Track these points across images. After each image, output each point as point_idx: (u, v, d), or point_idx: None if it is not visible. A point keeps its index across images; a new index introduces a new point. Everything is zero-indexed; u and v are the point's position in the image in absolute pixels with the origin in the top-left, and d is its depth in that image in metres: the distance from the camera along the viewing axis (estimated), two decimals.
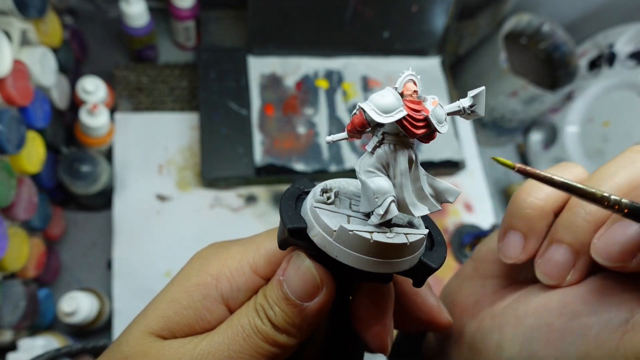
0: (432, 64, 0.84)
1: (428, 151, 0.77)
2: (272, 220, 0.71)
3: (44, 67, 0.53)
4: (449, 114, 0.20)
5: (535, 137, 0.93)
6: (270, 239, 0.24)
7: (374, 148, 0.20)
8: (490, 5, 0.88)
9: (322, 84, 0.78)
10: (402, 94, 0.19)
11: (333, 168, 0.73)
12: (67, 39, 0.66)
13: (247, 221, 0.70)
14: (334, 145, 0.74)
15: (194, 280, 0.23)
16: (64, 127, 0.65)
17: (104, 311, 0.60)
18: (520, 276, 0.27)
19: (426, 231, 0.21)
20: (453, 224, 0.79)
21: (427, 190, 0.21)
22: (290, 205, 0.22)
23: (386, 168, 0.20)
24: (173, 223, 0.68)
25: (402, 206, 0.20)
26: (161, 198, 0.69)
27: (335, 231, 0.20)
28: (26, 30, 0.52)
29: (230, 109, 0.72)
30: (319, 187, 0.22)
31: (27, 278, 0.54)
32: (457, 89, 0.90)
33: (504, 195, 0.89)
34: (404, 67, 0.90)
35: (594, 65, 0.85)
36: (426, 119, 0.19)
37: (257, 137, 0.71)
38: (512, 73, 0.76)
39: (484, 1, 0.88)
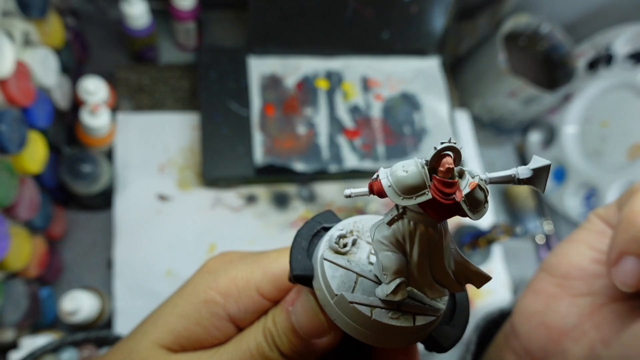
0: (432, 64, 0.85)
1: (428, 151, 0.78)
2: (272, 220, 0.72)
3: (45, 68, 0.54)
4: (496, 181, 0.16)
5: (534, 138, 0.93)
6: (279, 260, 0.24)
7: (392, 221, 0.17)
8: (489, 6, 0.88)
9: (322, 84, 0.78)
10: (434, 168, 0.16)
11: (333, 168, 0.73)
12: (68, 39, 0.66)
13: (247, 221, 0.71)
14: (333, 146, 0.75)
15: (202, 296, 0.23)
16: (65, 128, 0.66)
17: (105, 310, 0.60)
18: (617, 293, 0.26)
19: (441, 309, 0.19)
20: (452, 223, 0.79)
21: (450, 266, 0.18)
22: (303, 245, 0.20)
23: (402, 244, 0.17)
24: (174, 223, 0.68)
25: (416, 285, 0.18)
26: (162, 198, 0.69)
27: (336, 296, 0.18)
28: (28, 31, 0.52)
29: (231, 109, 0.73)
30: (337, 229, 0.20)
31: (29, 277, 0.54)
32: (456, 89, 0.90)
33: (503, 196, 0.89)
34: (404, 67, 0.90)
35: (592, 65, 0.85)
36: (456, 204, 0.15)
37: (257, 137, 0.72)
38: (511, 73, 0.77)
39: (483, 2, 0.88)
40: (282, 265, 0.24)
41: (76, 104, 0.65)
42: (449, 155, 0.16)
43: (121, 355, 0.23)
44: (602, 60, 0.83)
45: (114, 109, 0.71)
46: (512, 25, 0.82)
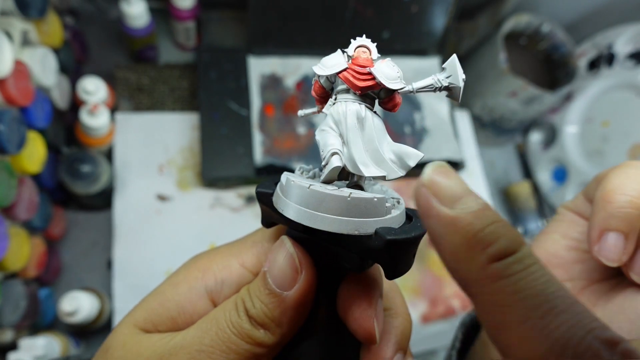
0: (432, 64, 0.85)
1: (428, 151, 0.77)
2: None
3: (44, 68, 0.53)
4: (421, 89, 0.20)
5: (535, 137, 0.93)
6: (259, 233, 0.24)
7: (328, 107, 0.20)
8: (489, 6, 0.88)
9: None
10: (349, 57, 0.20)
11: None
12: (67, 39, 0.66)
13: (247, 221, 0.70)
14: None
15: (182, 274, 0.23)
16: (64, 127, 0.66)
17: (105, 311, 0.60)
18: (595, 275, 0.27)
19: (381, 195, 0.19)
20: None
21: (388, 155, 0.20)
22: (271, 182, 0.22)
23: (338, 126, 0.20)
24: (173, 223, 0.68)
25: (352, 164, 0.20)
26: (161, 198, 0.69)
27: (283, 185, 0.20)
28: (27, 31, 0.52)
29: (231, 109, 0.73)
30: (300, 165, 0.23)
31: (28, 278, 0.54)
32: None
33: (503, 195, 0.89)
34: (404, 67, 0.90)
35: (593, 65, 0.85)
36: (370, 73, 0.19)
37: (257, 137, 0.71)
38: (512, 73, 0.77)
39: (484, 1, 0.88)
40: (261, 235, 0.24)
41: (75, 104, 0.65)
42: (364, 47, 0.20)
43: (103, 343, 0.23)
44: (603, 60, 0.83)
45: (113, 108, 0.71)
46: (512, 25, 0.82)
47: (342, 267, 0.21)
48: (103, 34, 0.78)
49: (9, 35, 0.48)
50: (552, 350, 0.13)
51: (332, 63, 0.20)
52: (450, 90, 0.19)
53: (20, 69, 0.47)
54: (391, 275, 0.19)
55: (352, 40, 0.20)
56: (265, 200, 0.21)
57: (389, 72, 0.19)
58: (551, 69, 0.87)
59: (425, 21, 0.80)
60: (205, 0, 0.77)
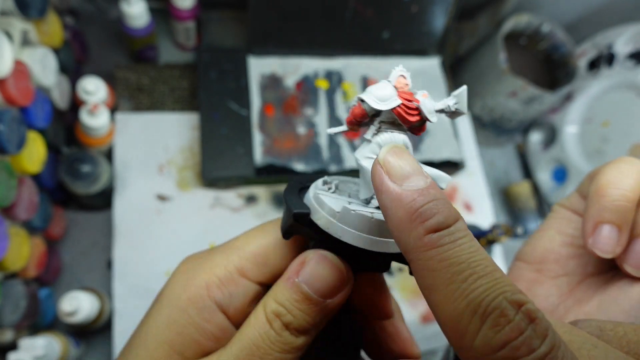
0: (432, 64, 0.85)
1: (428, 151, 0.78)
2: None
3: (44, 68, 0.53)
4: (437, 110, 0.22)
5: (535, 137, 0.93)
6: (252, 240, 0.24)
7: (373, 135, 0.22)
8: (489, 6, 0.88)
9: (322, 84, 0.78)
10: (394, 87, 0.21)
11: (333, 168, 0.73)
12: (67, 39, 0.66)
13: (247, 221, 0.70)
14: (333, 146, 0.74)
15: (184, 296, 0.23)
16: (64, 127, 0.66)
17: (105, 311, 0.60)
18: (590, 269, 0.28)
19: None
20: None
21: None
22: (294, 194, 0.23)
23: None
24: (173, 223, 0.68)
25: None
26: (161, 198, 0.69)
27: (338, 212, 0.21)
28: (27, 31, 0.52)
29: (230, 109, 0.73)
30: (320, 179, 0.24)
31: (28, 278, 0.54)
32: (456, 89, 0.90)
33: (503, 195, 0.89)
34: (404, 66, 0.90)
35: (593, 65, 0.85)
36: (418, 108, 0.21)
37: (257, 137, 0.71)
38: (512, 73, 0.77)
39: (484, 1, 0.88)
40: (258, 243, 0.24)
41: (75, 104, 0.65)
42: (402, 76, 0.21)
43: None
44: (603, 60, 0.83)
45: (113, 108, 0.71)
46: (512, 25, 0.82)
47: (372, 269, 0.24)
48: (103, 34, 0.78)
49: (9, 35, 0.48)
50: (468, 308, 0.15)
51: (383, 95, 0.21)
52: (453, 114, 0.22)
53: (20, 69, 0.47)
54: None
55: (392, 69, 0.22)
56: (304, 220, 0.22)
57: (431, 106, 0.21)
58: (551, 69, 0.87)
59: (425, 21, 0.80)
60: (205, 0, 0.77)
